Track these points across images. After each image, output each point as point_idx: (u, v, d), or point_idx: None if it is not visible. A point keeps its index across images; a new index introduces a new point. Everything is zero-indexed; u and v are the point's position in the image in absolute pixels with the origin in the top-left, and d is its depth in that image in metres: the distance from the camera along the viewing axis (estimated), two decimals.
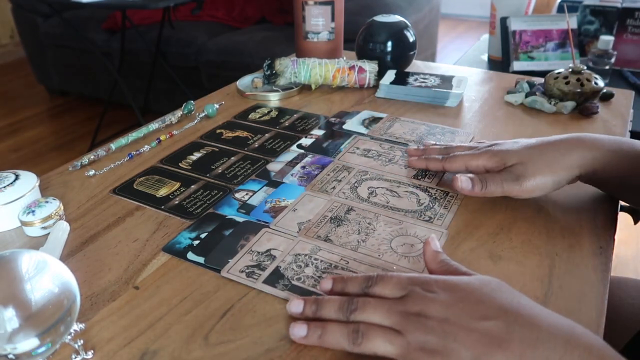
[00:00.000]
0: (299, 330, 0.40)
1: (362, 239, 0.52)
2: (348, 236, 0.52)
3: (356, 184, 0.61)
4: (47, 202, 0.54)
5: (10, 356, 0.35)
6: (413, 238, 0.52)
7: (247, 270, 0.48)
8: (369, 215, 0.56)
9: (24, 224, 0.53)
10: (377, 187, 0.61)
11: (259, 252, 0.50)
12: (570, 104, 0.78)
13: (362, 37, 0.95)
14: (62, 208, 0.55)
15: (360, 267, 0.48)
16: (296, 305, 0.42)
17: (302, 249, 0.51)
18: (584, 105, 0.78)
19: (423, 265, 0.48)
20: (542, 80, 0.87)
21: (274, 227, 0.54)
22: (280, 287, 0.46)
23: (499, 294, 0.37)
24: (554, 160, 0.53)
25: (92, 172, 0.65)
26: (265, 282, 0.46)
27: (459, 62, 1.56)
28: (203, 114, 0.81)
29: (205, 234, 0.53)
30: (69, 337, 0.40)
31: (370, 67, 0.89)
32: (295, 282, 0.46)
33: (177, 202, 0.59)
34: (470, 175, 0.55)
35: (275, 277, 0.47)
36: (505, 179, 0.54)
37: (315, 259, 0.49)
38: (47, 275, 0.37)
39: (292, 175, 0.64)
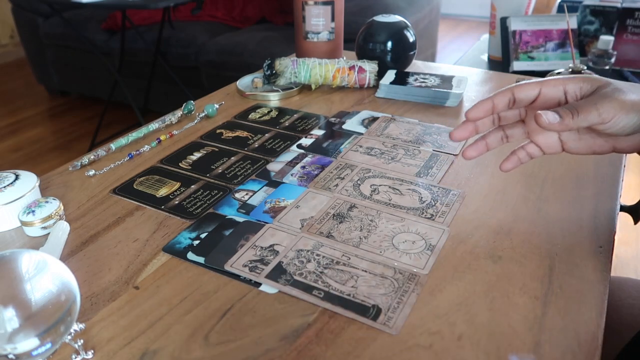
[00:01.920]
0: None
1: (364, 236, 0.52)
2: (350, 233, 0.52)
3: (359, 182, 0.62)
4: (47, 202, 0.54)
5: (10, 356, 0.35)
6: (415, 235, 0.52)
7: (250, 265, 0.48)
8: (371, 212, 0.56)
9: (24, 224, 0.53)
10: (380, 185, 0.61)
11: (262, 247, 0.51)
12: None
13: (362, 37, 0.95)
14: (62, 208, 0.55)
15: (361, 263, 0.48)
16: None
17: (305, 245, 0.51)
18: None
19: (424, 261, 0.48)
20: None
21: (278, 223, 0.54)
22: (283, 282, 0.46)
23: None
24: None
25: (92, 172, 0.65)
26: (268, 276, 0.47)
27: (459, 62, 1.56)
28: (203, 114, 0.81)
29: (205, 234, 0.53)
30: (69, 337, 0.40)
31: (370, 67, 0.89)
32: (297, 278, 0.46)
33: (177, 202, 0.59)
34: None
35: (278, 272, 0.47)
36: (595, 100, 0.44)
37: (318, 255, 0.49)
38: (47, 275, 0.37)
39: (292, 175, 0.64)
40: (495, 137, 0.52)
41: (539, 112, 0.45)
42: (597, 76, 0.47)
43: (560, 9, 1.57)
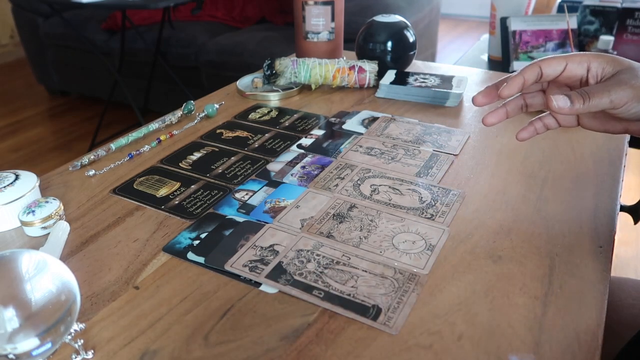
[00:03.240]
0: None
1: (364, 236, 0.52)
2: (350, 233, 0.52)
3: (359, 182, 0.61)
4: (47, 202, 0.54)
5: (10, 356, 0.35)
6: (415, 235, 0.52)
7: (250, 265, 0.48)
8: (371, 212, 0.56)
9: (24, 224, 0.53)
10: (380, 185, 0.61)
11: (262, 247, 0.51)
12: None
13: (362, 37, 0.95)
14: (62, 208, 0.55)
15: (361, 263, 0.48)
16: None
17: (305, 245, 0.51)
18: None
19: (424, 261, 0.48)
20: None
21: (278, 223, 0.54)
22: (283, 282, 0.46)
23: None
24: None
25: (92, 172, 0.65)
26: (268, 276, 0.47)
27: (459, 62, 1.55)
28: (203, 114, 0.81)
29: (205, 234, 0.53)
30: (69, 337, 0.40)
31: (370, 67, 0.89)
32: (297, 277, 0.46)
33: (177, 202, 0.59)
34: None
35: (278, 272, 0.47)
36: (609, 85, 0.45)
37: (318, 255, 0.49)
38: (47, 275, 0.37)
39: (292, 175, 0.64)
40: (516, 105, 0.53)
41: (551, 95, 0.46)
42: (621, 58, 0.47)
43: (560, 9, 1.57)
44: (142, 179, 0.64)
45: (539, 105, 0.52)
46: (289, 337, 0.41)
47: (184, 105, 0.81)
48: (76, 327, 0.41)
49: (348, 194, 0.59)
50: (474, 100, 0.51)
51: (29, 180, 0.57)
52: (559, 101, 0.45)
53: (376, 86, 0.90)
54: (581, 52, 0.48)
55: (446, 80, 0.88)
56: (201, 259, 0.50)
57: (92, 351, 0.40)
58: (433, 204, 0.57)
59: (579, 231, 0.53)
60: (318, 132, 0.75)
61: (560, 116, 0.51)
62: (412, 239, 0.52)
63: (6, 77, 3.32)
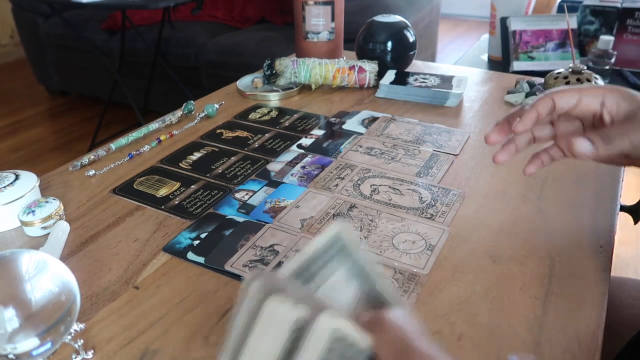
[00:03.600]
0: None
1: (365, 236, 0.52)
2: None
3: (359, 182, 0.62)
4: (47, 202, 0.54)
5: (10, 356, 0.35)
6: (415, 235, 0.52)
7: (250, 265, 0.48)
8: (371, 212, 0.56)
9: (24, 224, 0.53)
10: (380, 185, 0.61)
11: (262, 247, 0.51)
12: None
13: (362, 37, 0.95)
14: (62, 208, 0.55)
15: None
16: None
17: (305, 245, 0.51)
18: None
19: (424, 261, 0.48)
20: (542, 80, 0.87)
21: (278, 223, 0.54)
22: None
23: None
24: None
25: (92, 172, 0.65)
26: None
27: (459, 62, 1.56)
28: (203, 114, 0.81)
29: (206, 234, 0.53)
30: (69, 337, 0.40)
31: (370, 67, 0.89)
32: None
33: (177, 202, 0.59)
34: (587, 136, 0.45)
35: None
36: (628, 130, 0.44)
37: None
38: (47, 275, 0.37)
39: (292, 175, 0.64)
40: (524, 139, 0.51)
41: (572, 139, 0.44)
42: (637, 94, 0.46)
43: (560, 9, 1.57)
44: (142, 179, 0.64)
45: (547, 138, 0.51)
46: None
47: (184, 105, 0.81)
48: (76, 327, 0.42)
49: (348, 194, 0.59)
50: (486, 139, 0.50)
51: (29, 180, 0.57)
52: (581, 146, 0.44)
53: (376, 86, 0.90)
54: (595, 86, 0.46)
55: (446, 80, 0.88)
56: (201, 259, 0.50)
57: (92, 351, 0.40)
58: (433, 204, 0.57)
59: (579, 231, 0.53)
60: (318, 132, 0.75)
61: (568, 148, 0.48)
62: (412, 239, 0.52)
63: (6, 77, 3.32)
